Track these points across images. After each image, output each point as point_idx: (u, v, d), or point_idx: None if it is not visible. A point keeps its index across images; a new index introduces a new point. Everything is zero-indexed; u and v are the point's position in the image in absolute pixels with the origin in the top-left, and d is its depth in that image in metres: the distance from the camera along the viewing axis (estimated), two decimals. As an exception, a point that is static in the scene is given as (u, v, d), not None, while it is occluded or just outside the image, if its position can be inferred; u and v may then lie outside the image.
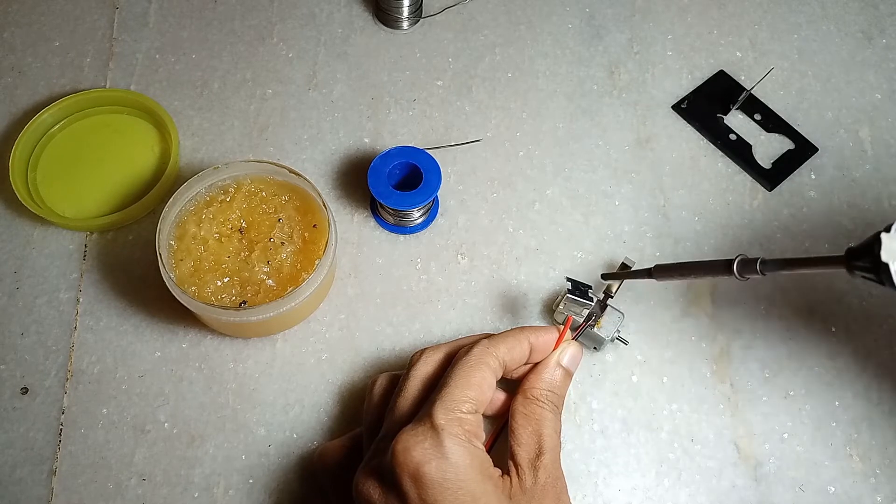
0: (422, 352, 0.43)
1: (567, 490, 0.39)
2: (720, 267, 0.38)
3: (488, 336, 0.42)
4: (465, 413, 0.37)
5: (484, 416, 0.42)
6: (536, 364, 0.42)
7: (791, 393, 0.50)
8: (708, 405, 0.49)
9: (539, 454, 0.38)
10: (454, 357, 0.41)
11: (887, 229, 0.30)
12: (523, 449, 0.39)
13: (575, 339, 0.44)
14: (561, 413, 0.41)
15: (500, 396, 0.43)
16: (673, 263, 0.43)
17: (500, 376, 0.41)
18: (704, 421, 0.49)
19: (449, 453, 0.35)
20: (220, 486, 0.46)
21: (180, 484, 0.46)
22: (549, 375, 0.41)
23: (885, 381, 0.50)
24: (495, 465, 0.38)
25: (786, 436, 0.49)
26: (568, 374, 0.42)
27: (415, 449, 0.35)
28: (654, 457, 0.48)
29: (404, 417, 0.39)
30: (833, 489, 0.47)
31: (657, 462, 0.48)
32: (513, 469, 0.38)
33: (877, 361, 0.51)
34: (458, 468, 0.35)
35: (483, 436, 0.38)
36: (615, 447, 0.48)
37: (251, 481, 0.46)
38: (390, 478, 0.36)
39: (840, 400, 0.50)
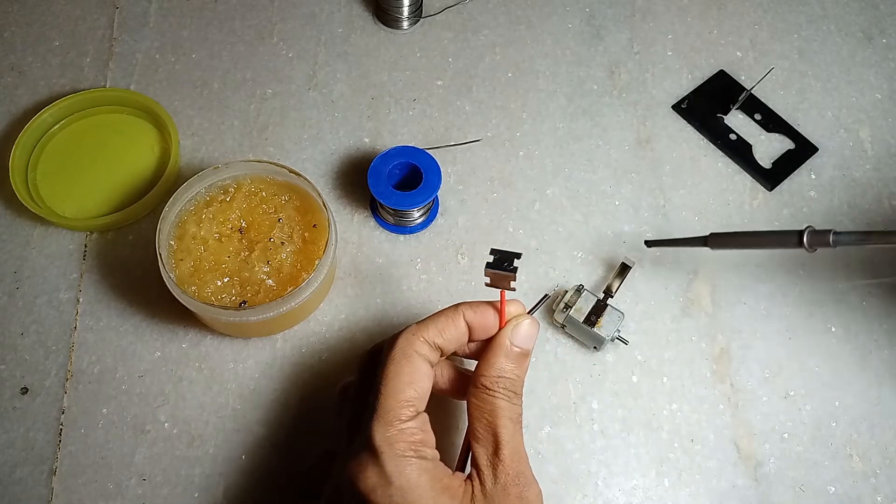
0: (358, 359, 0.41)
1: (533, 482, 0.36)
2: (787, 238, 0.34)
3: (419, 322, 0.39)
4: (405, 422, 0.35)
5: (442, 394, 0.41)
6: (488, 342, 0.39)
7: (791, 393, 0.50)
8: (708, 405, 0.49)
9: (497, 449, 0.36)
10: (382, 351, 0.38)
11: None
12: (481, 445, 0.36)
13: (530, 313, 0.40)
14: (520, 398, 0.38)
15: (447, 373, 0.41)
16: (732, 232, 0.39)
17: (436, 360, 0.38)
18: (704, 421, 0.49)
19: (393, 477, 0.33)
20: (220, 486, 0.46)
21: (180, 484, 0.46)
22: (497, 360, 0.38)
23: (885, 381, 0.51)
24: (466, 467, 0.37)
25: (786, 436, 0.49)
26: (523, 355, 0.39)
27: (358, 479, 0.34)
28: (654, 457, 0.48)
29: (350, 436, 0.38)
30: (833, 489, 0.47)
31: (657, 462, 0.48)
32: (474, 472, 0.36)
33: (877, 361, 0.51)
34: (406, 490, 0.33)
35: (431, 437, 0.36)
36: (615, 447, 0.48)
37: (251, 481, 0.46)
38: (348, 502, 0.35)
39: (840, 400, 0.50)
